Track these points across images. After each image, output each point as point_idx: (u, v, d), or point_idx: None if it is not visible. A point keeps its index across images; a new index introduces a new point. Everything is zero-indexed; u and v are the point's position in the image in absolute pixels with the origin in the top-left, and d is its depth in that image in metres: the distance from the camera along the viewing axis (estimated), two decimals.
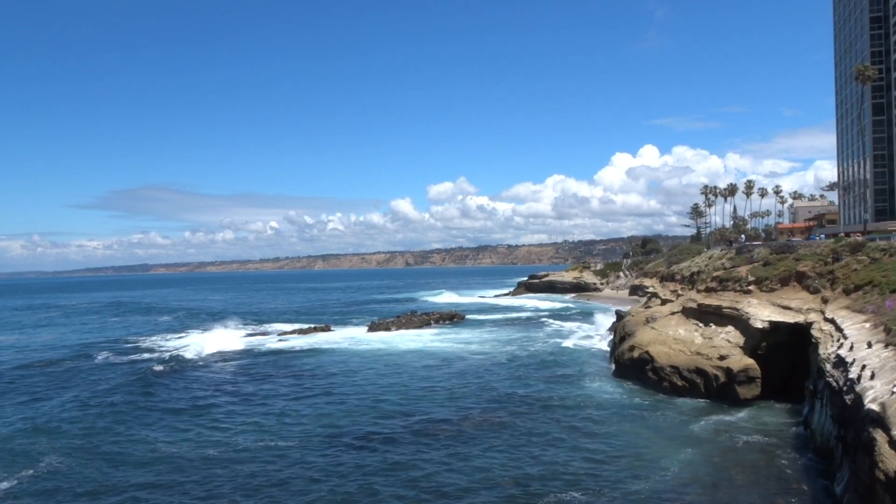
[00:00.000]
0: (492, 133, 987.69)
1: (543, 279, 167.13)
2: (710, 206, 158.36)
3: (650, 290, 76.53)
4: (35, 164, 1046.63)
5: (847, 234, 60.48)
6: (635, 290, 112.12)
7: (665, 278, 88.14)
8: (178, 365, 56.03)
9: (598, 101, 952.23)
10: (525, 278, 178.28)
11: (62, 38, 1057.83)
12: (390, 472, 26.70)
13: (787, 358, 37.57)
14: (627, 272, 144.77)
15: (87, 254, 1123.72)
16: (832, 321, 31.01)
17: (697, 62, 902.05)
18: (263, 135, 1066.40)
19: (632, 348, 45.19)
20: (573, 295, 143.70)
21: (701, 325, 45.17)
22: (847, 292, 34.98)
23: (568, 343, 64.85)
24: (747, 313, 40.32)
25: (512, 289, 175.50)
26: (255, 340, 72.94)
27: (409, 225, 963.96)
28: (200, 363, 57.33)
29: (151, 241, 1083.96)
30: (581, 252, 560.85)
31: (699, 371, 38.68)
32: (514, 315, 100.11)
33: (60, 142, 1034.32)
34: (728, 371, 37.28)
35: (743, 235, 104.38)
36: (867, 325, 27.16)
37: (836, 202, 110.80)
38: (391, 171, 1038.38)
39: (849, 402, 20.66)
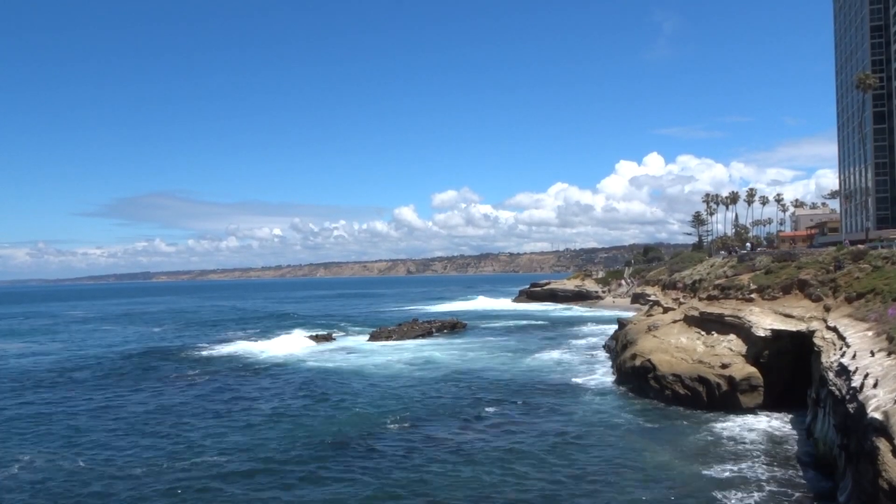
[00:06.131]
0: (496, 141, 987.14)
1: (545, 287, 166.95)
2: (711, 214, 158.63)
3: (652, 297, 76.56)
4: (41, 171, 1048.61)
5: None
6: (637, 298, 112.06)
7: (667, 286, 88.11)
8: (194, 371, 56.02)
9: (604, 111, 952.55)
10: (527, 286, 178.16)
11: (67, 44, 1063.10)
12: (383, 482, 26.63)
13: (790, 366, 37.46)
14: (629, 280, 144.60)
15: (90, 262, 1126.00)
16: (834, 329, 30.93)
17: (703, 73, 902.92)
18: (268, 143, 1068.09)
19: (633, 356, 45.09)
20: (574, 303, 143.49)
21: (703, 333, 45.08)
22: (849, 300, 34.92)
23: (568, 351, 64.73)
24: (749, 321, 40.24)
25: (513, 297, 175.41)
26: (254, 347, 72.91)
27: (413, 233, 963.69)
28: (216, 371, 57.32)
29: (155, 249, 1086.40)
30: (583, 260, 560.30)
31: (701, 379, 38.56)
32: (515, 323, 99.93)
33: (66, 149, 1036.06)
34: (730, 379, 37.18)
35: (749, 244, 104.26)
36: (870, 333, 27.09)
37: (838, 210, 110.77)
38: (395, 179, 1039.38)
39: (852, 411, 20.59)
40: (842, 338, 28.64)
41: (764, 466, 27.01)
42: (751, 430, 32.67)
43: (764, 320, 39.63)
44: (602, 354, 61.23)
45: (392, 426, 35.47)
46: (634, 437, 32.22)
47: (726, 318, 43.44)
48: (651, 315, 58.85)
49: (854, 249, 46.18)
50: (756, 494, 23.95)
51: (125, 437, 34.70)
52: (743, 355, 38.95)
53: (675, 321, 50.76)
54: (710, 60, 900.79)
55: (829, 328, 32.20)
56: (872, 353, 23.61)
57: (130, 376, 55.22)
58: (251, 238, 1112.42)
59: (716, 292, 49.74)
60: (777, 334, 37.77)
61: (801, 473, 26.02)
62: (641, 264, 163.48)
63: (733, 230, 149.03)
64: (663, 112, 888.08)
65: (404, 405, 40.62)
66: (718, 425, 33.61)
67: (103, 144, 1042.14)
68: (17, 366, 63.97)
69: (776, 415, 35.26)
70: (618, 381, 46.18)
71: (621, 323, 61.63)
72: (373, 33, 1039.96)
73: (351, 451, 30.83)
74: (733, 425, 33.51)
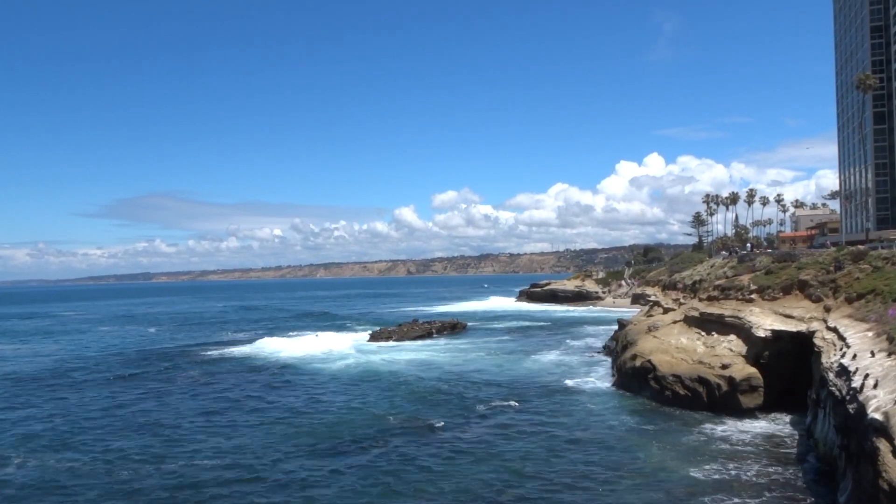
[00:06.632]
0: (496, 142, 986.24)
1: (545, 287, 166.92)
2: (711, 214, 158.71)
3: (652, 298, 76.41)
4: (41, 171, 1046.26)
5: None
6: (637, 298, 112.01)
7: (667, 287, 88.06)
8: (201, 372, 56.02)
9: (604, 111, 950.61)
10: (527, 287, 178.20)
11: (67, 44, 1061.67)
12: (378, 484, 26.59)
13: (790, 367, 37.43)
14: (629, 281, 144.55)
15: (90, 262, 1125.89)
16: (835, 330, 30.90)
17: (703, 73, 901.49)
18: (268, 143, 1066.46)
19: (634, 357, 45.04)
20: (574, 304, 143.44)
21: (703, 333, 45.03)
22: (849, 301, 34.88)
23: (567, 352, 64.70)
24: (749, 322, 40.20)
25: (513, 297, 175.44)
26: (252, 349, 72.88)
27: (413, 233, 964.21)
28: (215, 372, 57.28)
29: (156, 250, 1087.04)
30: (583, 261, 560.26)
31: (701, 380, 38.52)
32: (515, 324, 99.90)
33: (66, 149, 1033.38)
34: (730, 380, 37.14)
35: (749, 244, 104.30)
36: (870, 333, 27.05)
37: (838, 211, 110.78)
38: (395, 179, 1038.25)
39: (852, 412, 20.55)
40: (842, 338, 28.61)
41: (764, 467, 26.96)
42: (751, 430, 32.64)
43: (764, 321, 39.59)
44: (602, 355, 61.18)
45: (388, 427, 35.37)
46: (633, 438, 32.17)
47: (726, 319, 43.39)
48: (651, 316, 58.80)
49: (854, 250, 46.14)
50: (756, 495, 23.91)
51: (121, 437, 34.64)
52: (743, 356, 38.91)
53: (675, 322, 50.70)
54: (711, 61, 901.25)
55: (829, 329, 32.16)
56: (873, 354, 23.57)
57: (130, 378, 55.06)
58: (251, 238, 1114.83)
59: (716, 293, 49.68)
60: (777, 335, 37.74)
61: (801, 474, 25.98)
62: (641, 265, 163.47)
63: (733, 231, 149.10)
64: (664, 113, 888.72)
65: (401, 406, 40.56)
66: (718, 426, 33.56)
67: (103, 145, 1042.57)
68: (18, 366, 63.91)
69: (776, 415, 35.23)
70: (618, 382, 46.12)
71: (621, 323, 61.59)
72: (373, 33, 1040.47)
73: (345, 453, 30.74)
74: (733, 426, 33.47)
